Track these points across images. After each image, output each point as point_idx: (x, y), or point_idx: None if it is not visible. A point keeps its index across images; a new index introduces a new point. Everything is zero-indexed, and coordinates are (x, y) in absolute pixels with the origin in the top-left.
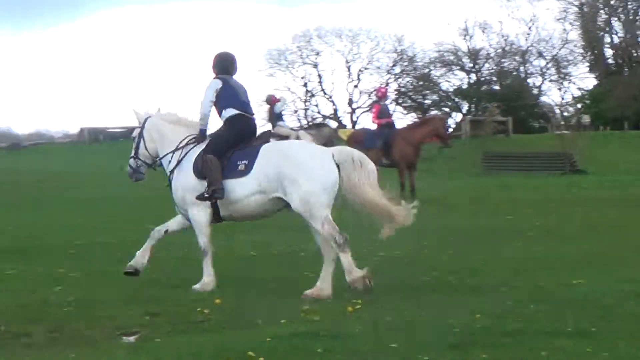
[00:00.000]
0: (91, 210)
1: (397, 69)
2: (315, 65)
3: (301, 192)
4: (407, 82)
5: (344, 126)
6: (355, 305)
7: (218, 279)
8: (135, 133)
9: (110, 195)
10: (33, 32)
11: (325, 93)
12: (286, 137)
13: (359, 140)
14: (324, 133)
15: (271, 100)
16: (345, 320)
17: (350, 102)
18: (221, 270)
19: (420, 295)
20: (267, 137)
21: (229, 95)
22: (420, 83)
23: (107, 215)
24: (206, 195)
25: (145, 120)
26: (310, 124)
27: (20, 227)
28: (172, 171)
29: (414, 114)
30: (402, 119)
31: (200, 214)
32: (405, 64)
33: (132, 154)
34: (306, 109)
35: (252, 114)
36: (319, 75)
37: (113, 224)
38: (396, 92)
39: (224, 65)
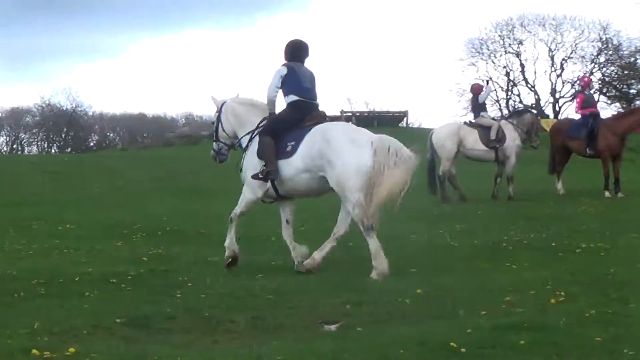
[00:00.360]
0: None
1: (602, 58)
2: (518, 54)
3: (336, 173)
4: (612, 71)
5: (547, 116)
6: (559, 297)
7: (419, 268)
8: (214, 117)
9: None
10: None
11: (527, 82)
12: (488, 128)
13: (562, 130)
14: (525, 120)
15: (474, 90)
16: (548, 312)
17: (553, 92)
18: (422, 260)
19: (626, 288)
20: (318, 118)
21: (293, 81)
22: (626, 72)
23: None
24: (260, 175)
25: (222, 104)
26: (512, 111)
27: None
28: (244, 151)
29: (618, 104)
30: (606, 109)
31: (249, 193)
32: (610, 52)
33: (214, 138)
34: (508, 99)
35: (313, 100)
36: (522, 65)
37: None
38: (600, 82)
39: (294, 52)
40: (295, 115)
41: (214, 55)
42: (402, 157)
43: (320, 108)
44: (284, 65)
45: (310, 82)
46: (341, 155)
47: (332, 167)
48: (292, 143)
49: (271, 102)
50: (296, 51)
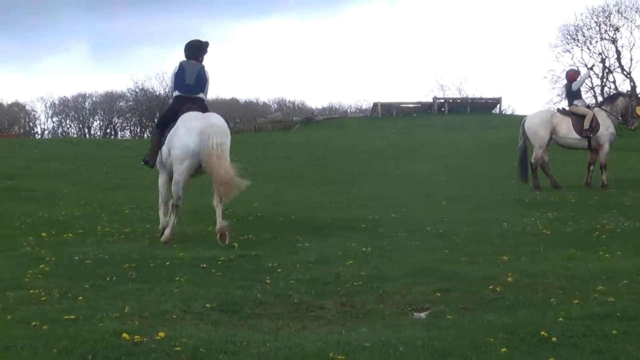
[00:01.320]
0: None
1: None
2: (614, 41)
3: (171, 155)
4: None
5: None
6: None
7: (510, 256)
8: None
9: (417, 172)
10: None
11: (623, 69)
12: (583, 116)
13: None
14: (618, 105)
15: (568, 76)
16: None
17: None
18: (513, 247)
19: None
20: (193, 108)
21: (179, 79)
22: None
23: (407, 190)
24: (142, 162)
25: None
26: (605, 98)
27: (334, 202)
28: None
29: None
30: None
31: (159, 177)
32: None
33: None
34: (603, 86)
35: (192, 94)
36: (617, 51)
37: (407, 198)
38: None
39: (189, 51)
40: (176, 108)
41: (303, 43)
42: (214, 142)
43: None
44: (178, 63)
45: (193, 78)
46: (176, 139)
47: (172, 149)
48: (168, 132)
49: (171, 97)
50: (191, 50)
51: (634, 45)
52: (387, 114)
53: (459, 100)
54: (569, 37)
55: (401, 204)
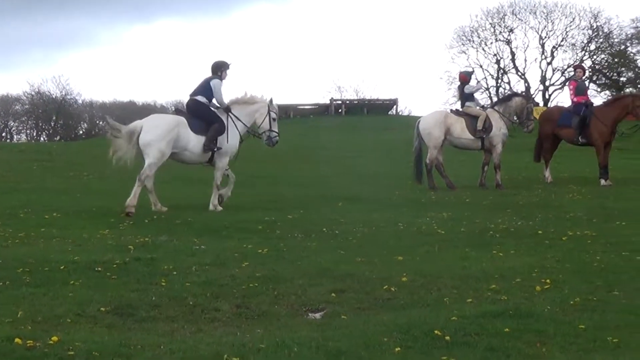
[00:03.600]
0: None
1: (592, 46)
2: (508, 42)
3: None
4: (602, 59)
5: (536, 104)
6: (544, 285)
7: (405, 256)
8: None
9: (313, 173)
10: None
11: (517, 70)
12: (475, 117)
13: (553, 118)
14: (512, 107)
15: (461, 78)
16: (534, 300)
17: (543, 80)
18: (408, 247)
19: (611, 275)
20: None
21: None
22: (616, 60)
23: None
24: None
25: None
26: (499, 99)
27: (230, 204)
28: None
29: (607, 92)
30: (596, 96)
31: None
32: (601, 40)
33: None
34: (498, 87)
35: (192, 97)
36: (512, 52)
37: (303, 200)
38: (590, 70)
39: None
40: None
41: (198, 45)
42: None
43: (200, 100)
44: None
45: (199, 86)
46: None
47: None
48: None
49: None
50: (212, 67)
51: (527, 46)
52: (283, 116)
53: (356, 102)
54: (464, 39)
55: (297, 206)
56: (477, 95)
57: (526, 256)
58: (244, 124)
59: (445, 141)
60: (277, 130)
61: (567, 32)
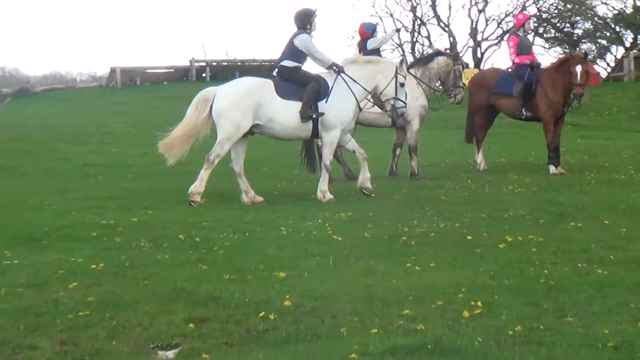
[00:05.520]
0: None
1: None
2: None
3: None
4: (551, 5)
5: (466, 65)
6: (475, 309)
7: (289, 272)
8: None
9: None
10: None
11: (439, 20)
12: None
13: (487, 84)
14: (434, 69)
15: (360, 32)
16: (460, 329)
17: (474, 33)
18: (293, 260)
19: (563, 295)
20: None
21: None
22: (569, 7)
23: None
24: None
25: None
26: (416, 59)
27: (54, 203)
28: None
29: (559, 48)
30: (544, 54)
31: None
32: None
33: None
34: (414, 42)
35: (279, 63)
36: None
37: (154, 196)
38: (536, 19)
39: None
40: None
41: None
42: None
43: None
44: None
45: (285, 48)
46: None
47: None
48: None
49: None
50: (298, 20)
51: None
52: (129, 83)
53: (225, 63)
54: None
55: (146, 204)
56: (386, 54)
57: (450, 270)
58: (362, 87)
59: None
60: (404, 100)
61: None
